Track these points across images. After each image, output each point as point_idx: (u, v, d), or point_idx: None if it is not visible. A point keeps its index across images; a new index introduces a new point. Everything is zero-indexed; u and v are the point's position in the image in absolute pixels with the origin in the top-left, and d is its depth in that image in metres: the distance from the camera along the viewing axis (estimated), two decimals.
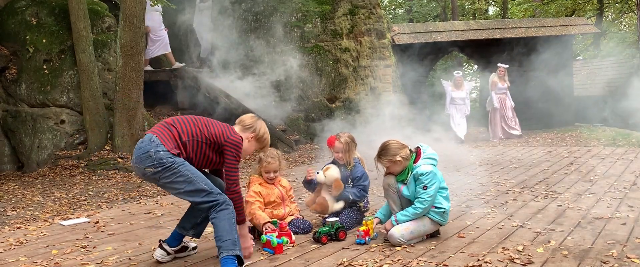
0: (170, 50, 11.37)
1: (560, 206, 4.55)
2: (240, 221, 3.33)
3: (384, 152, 3.65)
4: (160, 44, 11.21)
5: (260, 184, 4.05)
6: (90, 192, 6.99)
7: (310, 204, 4.30)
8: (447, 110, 11.90)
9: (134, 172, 3.34)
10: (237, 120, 3.55)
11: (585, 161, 7.24)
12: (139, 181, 7.70)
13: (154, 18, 10.90)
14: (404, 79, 13.01)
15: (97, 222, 4.82)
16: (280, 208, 4.07)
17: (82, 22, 9.31)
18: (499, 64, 12.00)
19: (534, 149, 9.05)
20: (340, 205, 4.16)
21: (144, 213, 5.14)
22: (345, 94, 11.99)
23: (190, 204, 3.43)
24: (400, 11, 32.74)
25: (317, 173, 4.17)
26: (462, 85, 11.87)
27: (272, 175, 4.02)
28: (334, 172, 4.13)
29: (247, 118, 3.51)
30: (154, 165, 3.12)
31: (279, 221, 3.74)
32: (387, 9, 31.39)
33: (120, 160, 8.79)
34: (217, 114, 10.90)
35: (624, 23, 31.06)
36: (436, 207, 3.64)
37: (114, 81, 9.54)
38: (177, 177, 3.14)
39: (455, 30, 14.29)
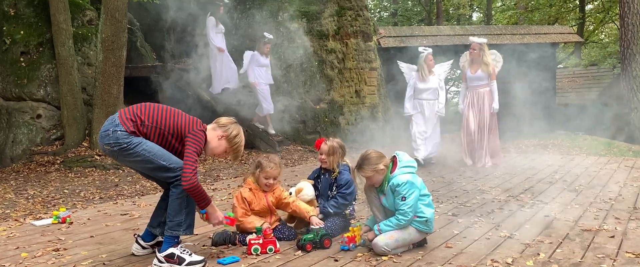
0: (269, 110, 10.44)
1: (548, 216, 4.49)
2: (204, 205, 3.35)
3: (365, 162, 3.52)
4: (266, 102, 10.32)
5: (250, 189, 3.88)
6: (65, 191, 6.77)
7: (288, 222, 4.17)
8: (407, 110, 8.06)
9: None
10: (214, 120, 3.55)
11: (569, 170, 7.23)
12: (116, 180, 7.50)
13: (260, 73, 10.21)
14: (389, 84, 12.95)
15: (71, 223, 4.63)
16: (267, 217, 3.91)
17: (62, 14, 9.08)
18: (470, 38, 7.95)
19: (516, 157, 9.04)
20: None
21: (121, 214, 4.96)
22: (330, 95, 11.89)
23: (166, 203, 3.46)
24: (386, 14, 32.75)
25: (290, 193, 4.03)
26: (431, 71, 7.96)
27: (271, 181, 3.83)
28: (306, 193, 4.00)
29: (223, 119, 3.53)
30: (110, 144, 3.22)
31: (263, 228, 3.60)
32: (373, 11, 31.38)
33: (97, 157, 8.57)
34: (199, 112, 10.72)
35: (604, 33, 31.53)
36: (419, 217, 3.52)
37: (93, 76, 9.32)
38: (135, 157, 3.24)
39: (441, 35, 14.30)
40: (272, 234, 3.61)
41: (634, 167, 7.33)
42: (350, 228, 3.64)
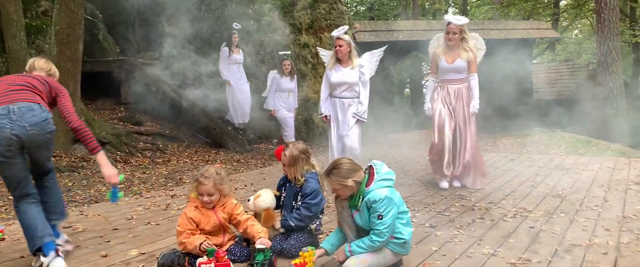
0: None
1: (533, 227, 4.12)
2: (93, 149, 3.44)
3: (335, 171, 3.06)
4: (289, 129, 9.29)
5: (196, 207, 3.39)
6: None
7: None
8: (322, 109, 6.15)
9: (11, 138, 3.16)
10: (36, 67, 3.66)
11: (550, 172, 6.93)
12: (70, 184, 6.94)
13: (281, 99, 9.22)
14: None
15: (3, 239, 4.11)
16: (219, 236, 3.44)
17: (12, 5, 8.40)
18: (446, 17, 5.99)
19: (495, 156, 8.73)
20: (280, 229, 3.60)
21: (64, 227, 4.43)
22: (304, 91, 11.44)
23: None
24: (362, 8, 32.35)
25: (248, 200, 3.57)
26: (349, 60, 5.87)
27: (206, 199, 3.32)
28: (264, 200, 3.53)
29: (44, 65, 3.71)
30: (51, 132, 3.32)
31: (216, 249, 3.12)
32: (349, 5, 30.95)
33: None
34: (166, 108, 10.18)
35: (577, 28, 31.72)
36: (396, 238, 3.08)
37: None
38: (51, 144, 3.46)
39: (417, 30, 13.96)
40: (226, 257, 3.14)
41: (616, 169, 7.07)
42: (300, 253, 3.13)
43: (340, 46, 5.80)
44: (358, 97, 5.92)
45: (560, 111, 15.65)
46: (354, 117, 5.90)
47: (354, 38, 12.78)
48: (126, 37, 12.00)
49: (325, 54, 6.51)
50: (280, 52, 9.56)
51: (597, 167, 7.24)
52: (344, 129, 5.94)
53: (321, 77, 11.56)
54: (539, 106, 16.23)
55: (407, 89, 28.09)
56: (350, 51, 5.87)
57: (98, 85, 10.38)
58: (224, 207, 3.41)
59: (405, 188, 5.92)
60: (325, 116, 6.11)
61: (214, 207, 3.38)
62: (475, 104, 5.85)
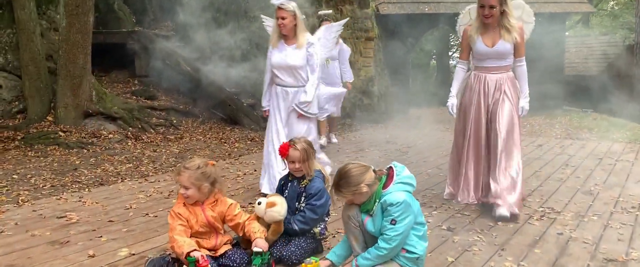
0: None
1: (561, 234, 3.73)
2: None
3: (343, 182, 2.72)
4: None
5: (184, 204, 3.10)
6: (15, 175, 6.02)
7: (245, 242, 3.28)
8: (263, 101, 5.03)
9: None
10: None
11: (581, 162, 6.47)
12: (77, 161, 6.75)
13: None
14: (386, 53, 12.06)
15: None
16: (211, 238, 3.14)
17: None
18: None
19: (522, 141, 8.24)
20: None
21: (58, 217, 4.21)
22: None
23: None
24: None
25: (259, 203, 3.22)
26: (295, 37, 4.63)
27: (182, 191, 3.00)
28: (278, 212, 3.15)
29: None
30: None
31: (197, 257, 2.79)
32: None
33: (62, 134, 7.81)
34: (180, 83, 9.91)
35: (613, 0, 30.26)
36: (408, 251, 2.75)
37: (58, 43, 8.46)
38: None
39: (444, 2, 13.30)
40: (210, 266, 2.82)
41: None
42: (302, 264, 2.85)
43: (284, 19, 4.46)
44: (302, 87, 4.62)
45: (592, 89, 14.94)
46: (299, 109, 4.60)
47: (377, 10, 12.23)
48: (142, 7, 11.68)
49: (271, 25, 4.92)
50: (320, 12, 7.77)
51: (633, 157, 6.74)
52: (288, 127, 4.68)
53: None
54: (571, 84, 15.52)
55: (433, 60, 27.34)
56: (296, 25, 4.55)
57: (112, 57, 10.14)
58: (214, 206, 3.10)
59: (423, 179, 5.55)
60: (266, 111, 4.88)
61: (202, 204, 3.08)
62: (525, 105, 4.48)
